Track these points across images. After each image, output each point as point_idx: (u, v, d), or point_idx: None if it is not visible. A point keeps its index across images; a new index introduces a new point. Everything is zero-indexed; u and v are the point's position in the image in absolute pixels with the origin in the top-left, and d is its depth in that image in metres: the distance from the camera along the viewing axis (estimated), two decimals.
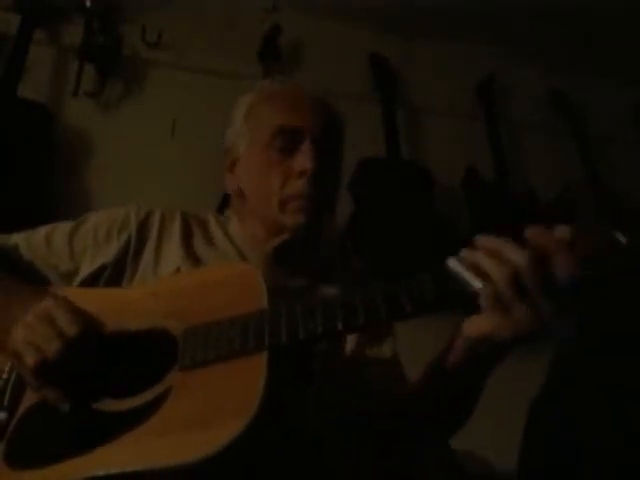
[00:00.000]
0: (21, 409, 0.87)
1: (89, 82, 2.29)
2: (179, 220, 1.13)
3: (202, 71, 2.42)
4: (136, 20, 2.42)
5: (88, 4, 2.32)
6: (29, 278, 1.05)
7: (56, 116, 2.20)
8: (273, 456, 0.81)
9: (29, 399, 0.88)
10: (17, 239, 1.10)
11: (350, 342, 1.04)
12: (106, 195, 2.12)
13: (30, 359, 0.81)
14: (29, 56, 2.18)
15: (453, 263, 0.76)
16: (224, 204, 2.06)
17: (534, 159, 2.61)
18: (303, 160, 1.05)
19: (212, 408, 0.76)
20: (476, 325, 0.77)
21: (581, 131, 2.60)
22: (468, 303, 0.76)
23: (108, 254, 1.08)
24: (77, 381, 0.84)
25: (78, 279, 1.07)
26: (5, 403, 0.89)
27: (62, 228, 1.11)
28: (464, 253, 0.77)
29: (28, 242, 1.09)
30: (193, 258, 1.07)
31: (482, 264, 0.74)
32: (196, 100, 2.36)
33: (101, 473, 0.74)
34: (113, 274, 1.07)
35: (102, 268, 1.07)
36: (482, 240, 0.77)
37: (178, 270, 1.04)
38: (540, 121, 2.69)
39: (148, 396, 0.81)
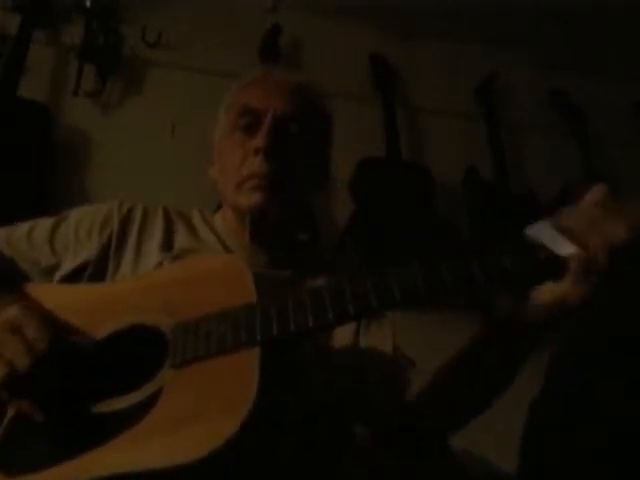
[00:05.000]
0: (9, 414, 0.85)
1: (89, 82, 2.29)
2: (161, 215, 1.11)
3: (202, 71, 2.42)
4: (136, 20, 2.42)
5: (88, 4, 2.32)
6: (10, 274, 1.04)
7: (56, 116, 2.20)
8: (269, 452, 0.81)
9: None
10: None
11: (346, 332, 1.02)
12: (106, 195, 2.12)
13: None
14: (29, 56, 2.18)
15: (545, 226, 0.76)
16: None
17: (534, 159, 2.60)
18: (259, 137, 1.04)
19: (207, 406, 0.75)
20: (550, 292, 0.78)
21: (581, 131, 2.60)
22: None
23: (90, 250, 1.06)
24: (52, 388, 0.82)
25: (59, 274, 1.05)
26: None
27: (43, 224, 1.10)
28: (561, 217, 0.77)
29: (8, 238, 1.08)
30: (175, 252, 1.05)
31: (581, 230, 0.74)
32: (196, 100, 2.36)
33: (96, 476, 0.73)
34: (96, 270, 1.05)
35: (84, 264, 1.05)
36: (583, 206, 0.77)
37: (160, 265, 1.02)
38: (540, 121, 2.68)
39: (140, 395, 0.80)
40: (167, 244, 1.06)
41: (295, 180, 1.07)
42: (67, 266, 1.06)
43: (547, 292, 0.79)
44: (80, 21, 2.34)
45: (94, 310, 0.90)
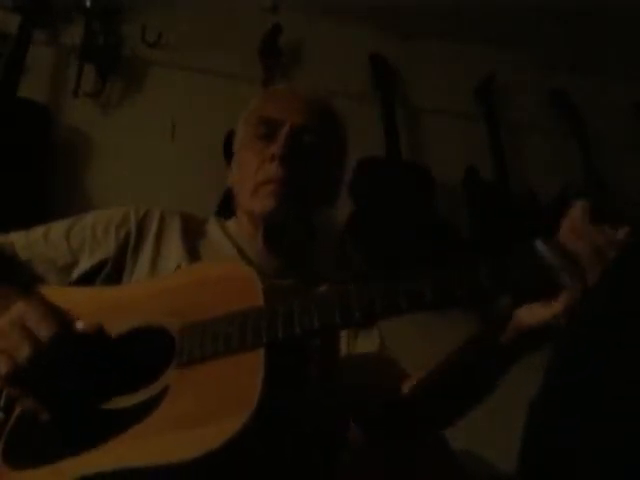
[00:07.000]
0: (18, 408, 0.86)
1: (89, 82, 2.29)
2: (179, 219, 1.14)
3: (202, 71, 2.42)
4: (136, 20, 2.42)
5: (88, 4, 2.32)
6: (24, 277, 1.05)
7: (56, 116, 2.20)
8: (270, 454, 0.81)
9: None
10: (13, 238, 1.10)
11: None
12: (106, 195, 2.12)
13: (2, 368, 0.78)
14: (29, 56, 2.19)
15: (542, 247, 0.76)
16: (224, 204, 2.06)
17: (534, 159, 2.60)
18: (276, 145, 1.08)
19: (211, 405, 0.75)
20: (537, 314, 0.79)
21: (581, 131, 2.60)
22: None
23: (108, 248, 1.08)
24: (62, 383, 0.82)
25: (77, 272, 1.07)
26: (1, 404, 0.88)
27: (59, 224, 1.12)
28: (560, 238, 0.77)
29: (26, 239, 1.10)
30: (194, 256, 1.08)
31: (579, 254, 0.75)
32: (196, 100, 2.36)
33: (100, 471, 0.74)
34: (113, 269, 1.07)
35: (102, 263, 1.08)
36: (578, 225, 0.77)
37: (179, 267, 1.04)
38: (540, 121, 2.68)
39: (146, 394, 0.81)
40: (187, 245, 1.09)
41: (307, 190, 1.11)
42: (84, 265, 1.08)
43: (533, 314, 0.79)
44: (80, 21, 2.34)
45: (103, 313, 0.90)
